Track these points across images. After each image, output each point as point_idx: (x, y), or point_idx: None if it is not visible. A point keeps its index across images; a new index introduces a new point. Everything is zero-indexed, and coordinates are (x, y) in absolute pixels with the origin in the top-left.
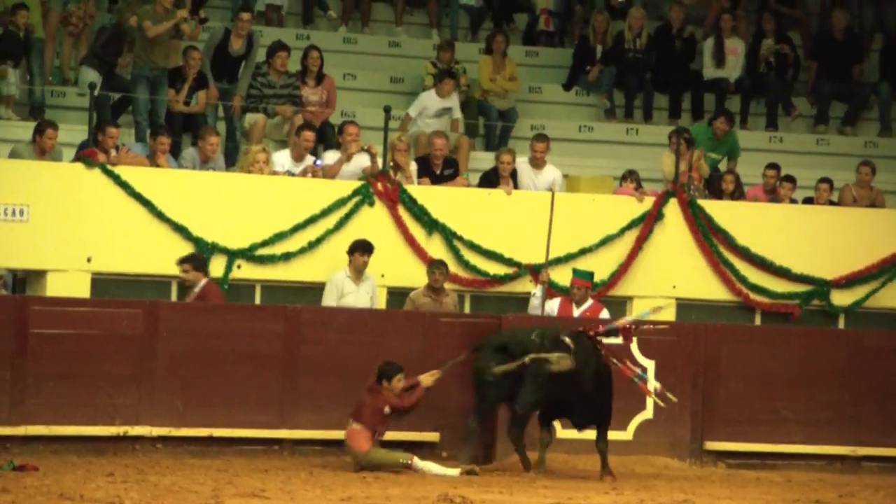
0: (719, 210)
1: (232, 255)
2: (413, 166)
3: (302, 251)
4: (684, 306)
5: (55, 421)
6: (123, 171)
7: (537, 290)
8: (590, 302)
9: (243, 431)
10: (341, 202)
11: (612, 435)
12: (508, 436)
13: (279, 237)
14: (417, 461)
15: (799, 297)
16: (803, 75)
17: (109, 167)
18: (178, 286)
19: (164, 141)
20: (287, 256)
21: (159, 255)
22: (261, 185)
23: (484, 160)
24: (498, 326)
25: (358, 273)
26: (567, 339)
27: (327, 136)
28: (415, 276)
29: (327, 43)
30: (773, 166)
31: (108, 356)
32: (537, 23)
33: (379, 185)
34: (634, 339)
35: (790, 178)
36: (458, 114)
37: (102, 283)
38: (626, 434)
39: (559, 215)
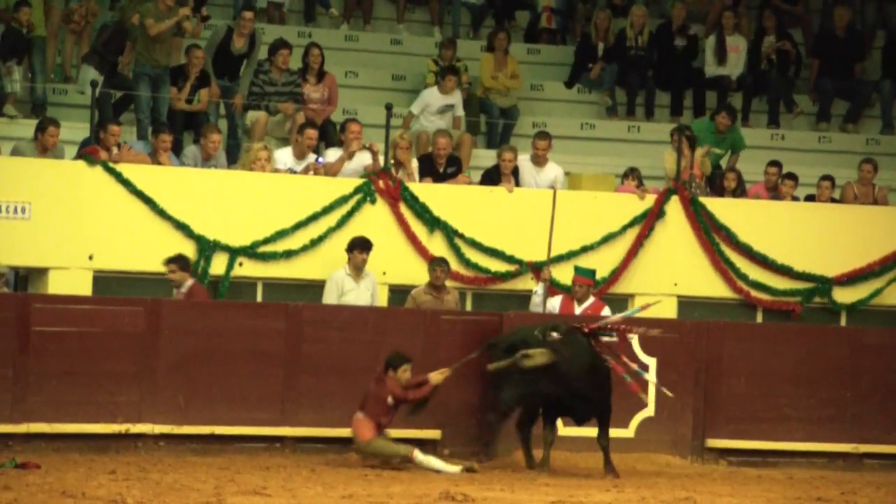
0: (721, 207)
1: (234, 253)
2: (414, 163)
3: (304, 249)
4: (686, 304)
5: (57, 418)
6: (125, 169)
7: (539, 288)
8: (591, 300)
9: (245, 429)
10: (343, 200)
11: (614, 432)
12: (517, 432)
13: (281, 235)
14: (418, 454)
15: (800, 294)
16: (805, 73)
17: (111, 165)
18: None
19: (165, 139)
20: (289, 254)
21: (161, 253)
22: (262, 183)
23: (486, 158)
24: (499, 324)
25: (357, 270)
26: (554, 334)
27: (329, 134)
28: (416, 274)
29: (329, 40)
30: (775, 164)
31: (109, 354)
32: (539, 20)
33: (380, 183)
34: (636, 336)
35: (792, 176)
36: (460, 111)
37: (104, 280)
38: (628, 431)
39: (561, 213)
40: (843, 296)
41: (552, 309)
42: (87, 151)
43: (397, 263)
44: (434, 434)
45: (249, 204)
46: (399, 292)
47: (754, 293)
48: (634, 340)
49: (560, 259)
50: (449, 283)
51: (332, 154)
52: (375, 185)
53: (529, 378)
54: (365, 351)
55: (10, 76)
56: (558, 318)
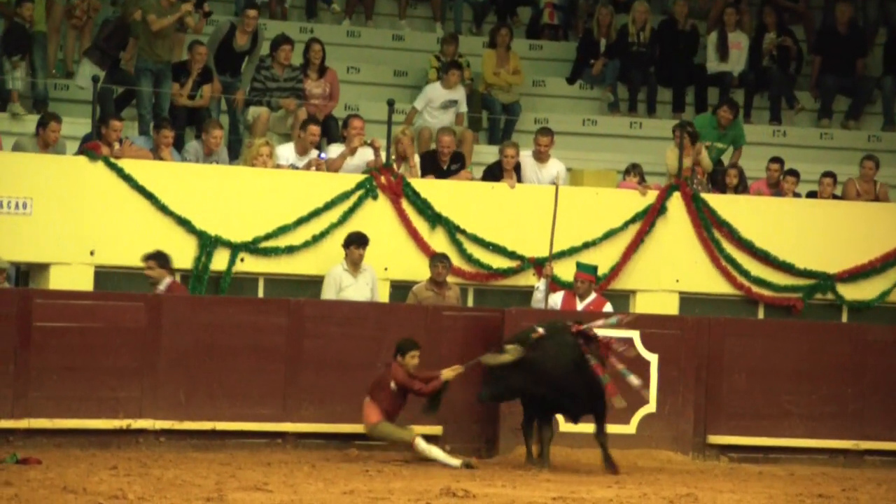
0: (722, 204)
1: (235, 249)
2: (416, 158)
3: (305, 244)
4: (687, 300)
5: (58, 414)
6: (127, 165)
7: (541, 284)
8: (593, 296)
9: (246, 425)
10: (345, 195)
11: (616, 429)
12: (521, 430)
13: (283, 230)
14: (420, 442)
15: (802, 291)
16: (807, 69)
17: (113, 160)
18: (181, 279)
19: (167, 134)
20: (290, 250)
21: (163, 249)
22: (264, 179)
23: (488, 154)
24: (501, 320)
25: (355, 266)
26: (540, 330)
27: (331, 130)
28: (418, 270)
29: (331, 36)
30: (777, 160)
31: (111, 349)
32: (541, 16)
33: (382, 179)
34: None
35: (794, 172)
36: (463, 107)
37: (105, 276)
38: (630, 428)
39: (563, 209)
40: (845, 292)
41: (554, 305)
42: (89, 147)
43: (399, 259)
44: (436, 430)
45: (251, 199)
46: (401, 288)
47: (756, 289)
48: (636, 336)
49: (562, 255)
50: (451, 280)
51: (335, 150)
52: (377, 181)
53: (507, 374)
54: (366, 347)
55: (13, 72)
56: (563, 314)
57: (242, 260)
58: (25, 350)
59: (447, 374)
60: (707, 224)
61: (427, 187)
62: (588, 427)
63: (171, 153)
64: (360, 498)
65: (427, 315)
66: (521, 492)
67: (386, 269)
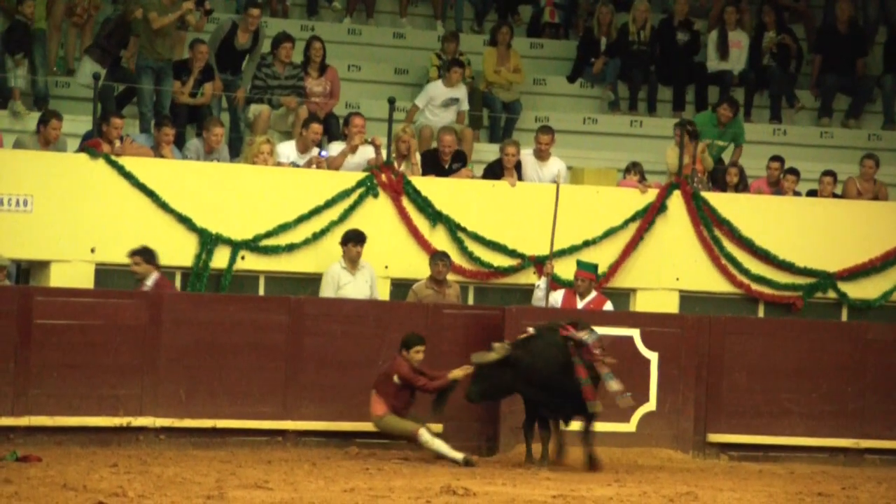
0: (723, 202)
1: (236, 246)
2: (418, 156)
3: (306, 242)
4: (687, 298)
5: (59, 412)
6: (127, 162)
7: (541, 282)
8: (593, 294)
9: (247, 422)
10: (345, 193)
11: (616, 427)
12: (522, 430)
13: (283, 228)
14: (424, 434)
15: (802, 289)
16: (807, 68)
17: (113, 158)
18: (182, 276)
19: (168, 132)
20: (291, 247)
21: (163, 246)
22: (265, 177)
23: (488, 152)
24: (501, 318)
25: (352, 263)
26: (531, 330)
27: (332, 128)
28: (418, 268)
29: (332, 34)
30: (777, 159)
31: (111, 347)
32: (542, 15)
33: (383, 177)
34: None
35: (794, 171)
36: (465, 105)
37: (106, 273)
38: (630, 426)
39: (563, 207)
40: (845, 291)
41: (554, 303)
42: (90, 144)
43: (399, 257)
44: (436, 428)
45: (252, 197)
46: (401, 286)
47: (756, 288)
48: (636, 335)
49: (562, 253)
50: (451, 278)
51: (335, 148)
52: (378, 179)
53: (494, 373)
54: (367, 345)
55: (16, 70)
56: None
57: (243, 258)
58: (26, 347)
59: (456, 373)
60: (707, 222)
61: (427, 185)
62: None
63: (171, 151)
64: (360, 496)
65: (427, 313)
66: (521, 490)
67: (386, 267)
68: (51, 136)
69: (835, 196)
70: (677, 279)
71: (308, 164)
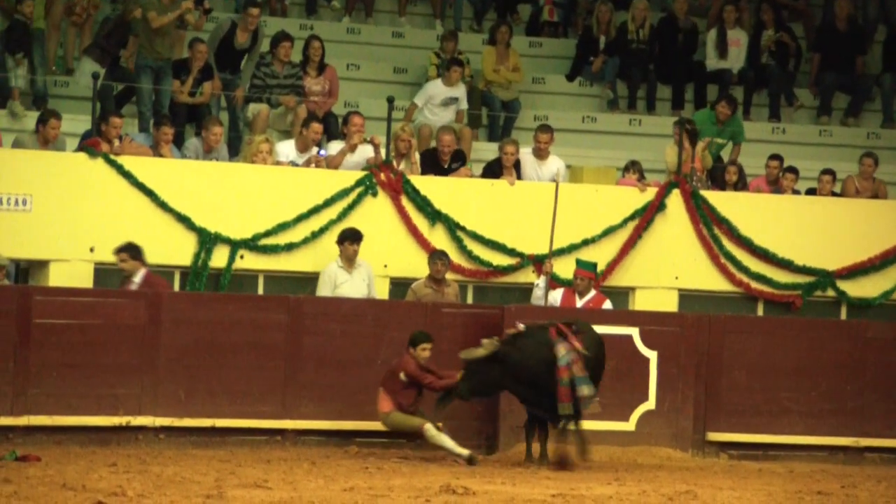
0: (722, 201)
1: (235, 246)
2: (417, 155)
3: (305, 241)
4: (687, 297)
5: (58, 411)
6: (126, 161)
7: (540, 281)
8: (592, 293)
9: (246, 422)
10: (344, 192)
11: (615, 426)
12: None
13: (282, 227)
14: (430, 429)
15: (801, 288)
16: (806, 67)
17: (112, 157)
18: (181, 276)
19: (167, 131)
20: (290, 247)
21: (162, 245)
22: (264, 176)
23: (487, 151)
24: (500, 317)
25: (349, 262)
26: (521, 326)
27: (331, 127)
28: (418, 267)
29: (331, 33)
30: (776, 157)
31: (110, 346)
32: (541, 13)
33: (382, 176)
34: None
35: (793, 170)
36: (464, 104)
37: (105, 273)
38: (629, 425)
39: (562, 206)
40: (844, 289)
41: (553, 302)
42: (89, 143)
43: (399, 256)
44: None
45: (251, 196)
46: (401, 285)
47: (755, 286)
48: (635, 333)
49: (561, 252)
50: (450, 277)
51: (334, 147)
52: (377, 178)
53: (484, 369)
54: (365, 344)
55: (16, 69)
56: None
57: (242, 257)
58: (25, 347)
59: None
60: (706, 221)
61: (427, 184)
62: (587, 425)
63: (170, 150)
64: (359, 495)
65: (427, 312)
66: (520, 489)
67: (385, 265)
68: (50, 136)
69: (834, 195)
70: (676, 278)
71: (307, 164)
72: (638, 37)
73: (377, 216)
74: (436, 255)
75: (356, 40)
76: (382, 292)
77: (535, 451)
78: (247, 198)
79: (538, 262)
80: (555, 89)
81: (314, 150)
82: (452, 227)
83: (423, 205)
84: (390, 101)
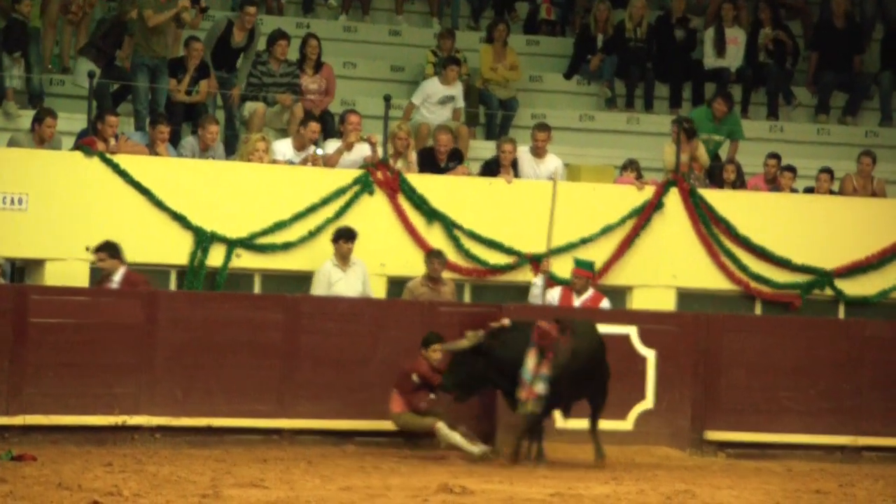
0: (720, 199)
1: (231, 244)
2: (413, 155)
3: (302, 240)
4: (685, 296)
5: (54, 410)
6: (122, 160)
7: (538, 280)
8: (590, 292)
9: (242, 421)
10: (341, 191)
11: (613, 425)
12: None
13: (279, 226)
14: (442, 427)
15: (799, 286)
16: (804, 65)
17: (108, 156)
18: (177, 275)
19: (163, 130)
20: (287, 245)
21: (158, 244)
22: (260, 174)
23: (485, 149)
24: (498, 315)
25: (344, 260)
26: (506, 321)
27: (327, 125)
28: (415, 265)
29: (327, 31)
30: (774, 156)
31: (107, 345)
32: (538, 12)
33: (379, 174)
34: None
35: (791, 168)
36: (461, 102)
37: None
38: (627, 424)
39: (560, 205)
40: (842, 288)
41: (551, 301)
42: (85, 142)
43: (396, 255)
44: None
45: (247, 195)
46: (398, 284)
47: (753, 285)
48: (633, 332)
49: (559, 251)
50: (447, 275)
51: (331, 145)
52: (374, 177)
53: (468, 361)
54: (362, 343)
55: (13, 68)
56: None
57: (238, 256)
58: (21, 346)
59: None
60: (704, 220)
61: (424, 183)
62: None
63: (167, 149)
64: (357, 494)
65: (423, 311)
66: (518, 488)
67: (382, 264)
68: (46, 135)
69: (832, 193)
70: (674, 276)
71: (304, 162)
72: (635, 35)
73: (374, 215)
74: (432, 255)
75: (353, 38)
76: (379, 291)
77: (532, 451)
78: (243, 196)
79: (536, 261)
80: (552, 88)
81: (311, 148)
82: (450, 226)
83: (421, 203)
84: (387, 99)
